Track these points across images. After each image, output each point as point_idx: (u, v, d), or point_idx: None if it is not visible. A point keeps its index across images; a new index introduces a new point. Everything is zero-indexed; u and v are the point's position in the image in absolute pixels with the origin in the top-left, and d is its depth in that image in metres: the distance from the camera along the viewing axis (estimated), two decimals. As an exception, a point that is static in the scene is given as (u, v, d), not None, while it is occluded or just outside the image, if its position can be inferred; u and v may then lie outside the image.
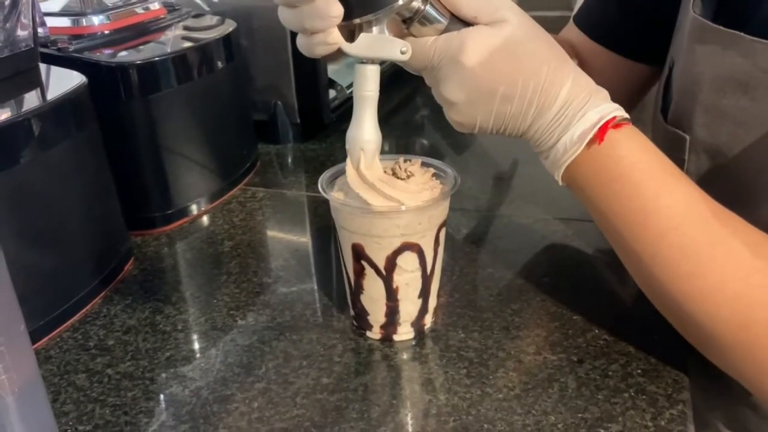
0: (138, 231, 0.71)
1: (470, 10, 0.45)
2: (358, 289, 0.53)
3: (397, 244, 0.50)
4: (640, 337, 0.53)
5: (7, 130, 0.52)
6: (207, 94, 0.75)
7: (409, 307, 0.53)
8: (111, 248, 0.64)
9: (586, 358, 0.52)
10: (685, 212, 0.44)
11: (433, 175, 0.53)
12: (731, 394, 0.48)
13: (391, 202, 0.48)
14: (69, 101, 0.58)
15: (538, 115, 0.46)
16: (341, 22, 0.43)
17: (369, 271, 0.52)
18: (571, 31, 0.71)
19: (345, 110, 0.99)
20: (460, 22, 0.45)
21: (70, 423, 0.48)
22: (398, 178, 0.51)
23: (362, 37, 0.45)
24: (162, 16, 0.78)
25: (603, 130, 0.45)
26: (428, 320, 0.55)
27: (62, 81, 0.61)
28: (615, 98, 0.47)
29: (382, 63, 0.48)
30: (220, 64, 0.76)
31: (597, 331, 0.55)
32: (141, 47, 0.71)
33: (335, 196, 0.51)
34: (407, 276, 0.52)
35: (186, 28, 0.78)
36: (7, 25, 0.57)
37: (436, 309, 0.56)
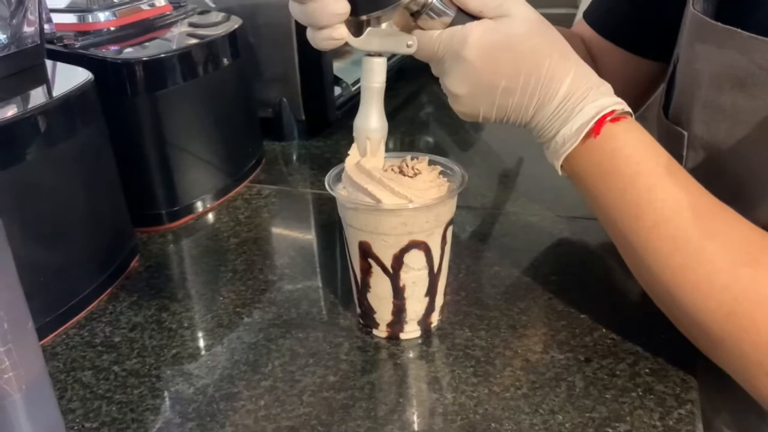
0: (144, 228, 0.71)
1: (476, 4, 0.46)
2: (364, 288, 0.53)
3: (404, 242, 0.50)
4: (647, 336, 0.53)
5: (14, 126, 0.52)
6: (212, 90, 0.75)
7: (415, 305, 0.53)
8: (117, 245, 0.64)
9: (593, 357, 0.51)
10: (678, 205, 0.45)
11: (440, 173, 0.53)
12: (740, 394, 0.48)
13: (399, 199, 0.48)
14: (75, 98, 0.58)
15: (540, 108, 0.47)
16: (349, 17, 0.44)
17: (376, 269, 0.51)
18: (581, 27, 0.71)
19: (350, 107, 0.98)
20: (466, 15, 0.46)
21: (77, 420, 0.48)
22: (405, 175, 0.51)
23: (369, 32, 0.47)
24: (168, 13, 0.78)
25: (600, 123, 0.46)
26: (435, 318, 0.55)
27: (68, 77, 0.61)
28: (624, 95, 0.48)
29: (390, 57, 0.48)
30: (225, 61, 0.76)
31: (604, 330, 0.54)
32: (147, 44, 0.71)
33: (342, 194, 0.51)
34: (414, 274, 0.52)
35: (192, 24, 0.78)
36: (14, 21, 0.57)
37: (442, 307, 0.56)
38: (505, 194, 0.80)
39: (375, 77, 0.48)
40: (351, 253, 0.53)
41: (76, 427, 0.47)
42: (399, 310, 0.53)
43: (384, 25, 0.47)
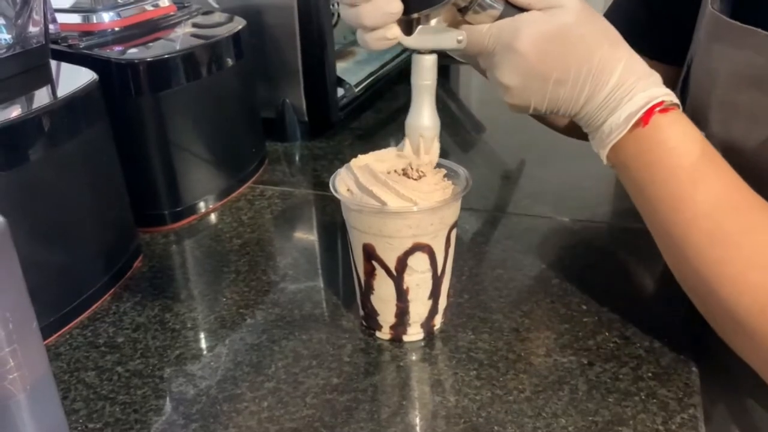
0: (147, 228, 0.71)
1: None
2: (368, 290, 0.53)
3: (408, 244, 0.50)
4: (650, 340, 0.53)
5: (18, 126, 0.52)
6: (216, 91, 0.75)
7: (419, 307, 0.53)
8: (120, 245, 0.64)
9: (596, 361, 0.51)
10: (718, 200, 0.45)
11: (445, 175, 0.53)
12: (743, 398, 0.48)
13: (403, 202, 0.48)
14: (79, 98, 0.58)
15: (590, 98, 0.47)
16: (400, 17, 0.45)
17: (380, 271, 0.51)
18: None
19: (353, 108, 0.99)
20: (514, 8, 0.46)
21: (81, 421, 0.48)
22: (410, 178, 0.51)
23: (420, 30, 0.47)
24: (172, 13, 0.78)
25: (649, 113, 0.45)
26: (438, 321, 0.55)
27: (73, 78, 0.61)
28: None
29: (440, 54, 0.49)
30: (229, 62, 0.76)
31: (607, 333, 0.54)
32: (151, 44, 0.71)
33: (347, 196, 0.51)
34: (418, 277, 0.52)
35: (195, 25, 0.78)
36: (19, 21, 0.57)
37: (445, 310, 0.56)
38: (507, 196, 0.80)
39: (426, 75, 0.48)
40: (355, 255, 0.53)
41: (79, 428, 0.47)
42: (402, 313, 0.53)
43: (433, 22, 0.47)
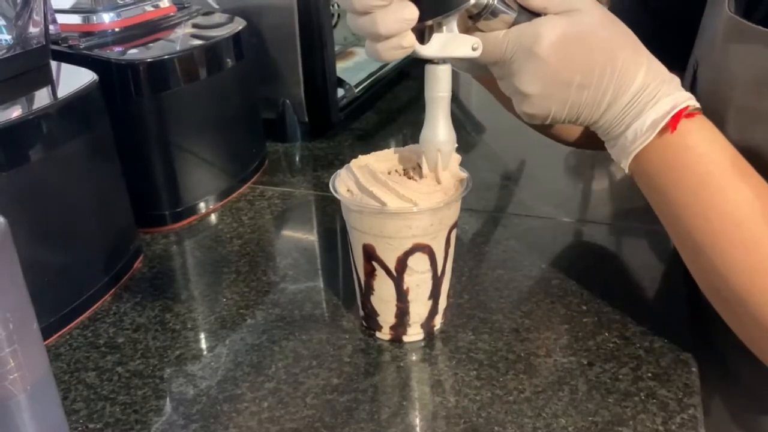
0: (147, 228, 0.71)
1: (540, 0, 0.44)
2: (368, 290, 0.53)
3: (408, 245, 0.50)
4: (650, 341, 0.53)
5: (18, 127, 0.52)
6: (216, 92, 0.75)
7: (419, 308, 0.53)
8: (120, 246, 0.64)
9: (596, 361, 0.51)
10: (750, 209, 0.44)
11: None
12: (743, 398, 0.48)
13: (403, 202, 0.48)
14: (80, 99, 0.58)
15: (612, 103, 0.45)
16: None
17: (380, 272, 0.51)
18: None
19: (353, 109, 0.99)
20: (528, 13, 0.45)
21: (81, 421, 0.48)
22: (410, 178, 0.51)
23: (435, 38, 0.45)
24: (172, 14, 0.78)
25: (676, 118, 0.44)
26: (438, 321, 0.55)
27: (73, 78, 0.61)
28: None
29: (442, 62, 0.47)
30: (229, 62, 0.76)
31: (607, 334, 0.54)
32: (151, 45, 0.71)
33: (347, 197, 0.51)
34: (418, 277, 0.52)
35: (195, 26, 0.78)
36: (20, 22, 0.57)
37: (445, 310, 0.56)
38: (507, 197, 0.81)
39: (440, 86, 0.47)
40: (355, 255, 0.53)
41: (80, 428, 0.47)
42: (402, 313, 0.53)
43: (445, 30, 0.45)
